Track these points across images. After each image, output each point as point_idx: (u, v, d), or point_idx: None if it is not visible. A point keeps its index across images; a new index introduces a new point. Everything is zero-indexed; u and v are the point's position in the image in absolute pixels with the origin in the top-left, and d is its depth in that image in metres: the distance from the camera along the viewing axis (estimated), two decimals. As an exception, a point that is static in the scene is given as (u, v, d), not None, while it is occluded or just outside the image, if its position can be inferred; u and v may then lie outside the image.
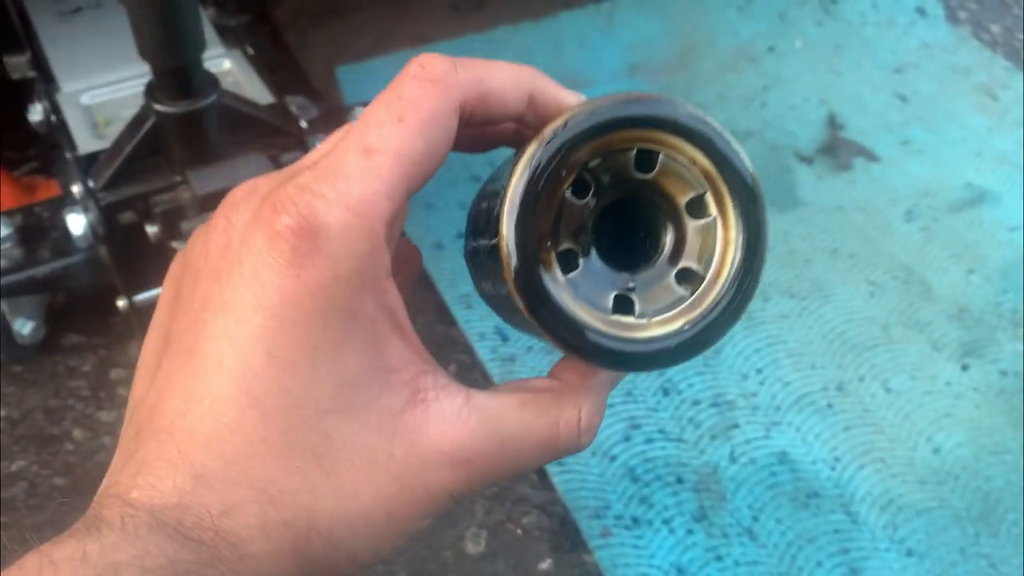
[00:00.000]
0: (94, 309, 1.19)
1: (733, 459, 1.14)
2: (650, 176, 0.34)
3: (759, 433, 1.17)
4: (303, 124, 1.13)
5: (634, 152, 0.33)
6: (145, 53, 0.93)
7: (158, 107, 0.97)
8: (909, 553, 1.07)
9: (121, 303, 1.08)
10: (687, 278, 0.34)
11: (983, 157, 1.59)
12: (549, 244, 0.33)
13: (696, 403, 1.19)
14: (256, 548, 0.30)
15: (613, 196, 0.34)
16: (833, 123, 1.64)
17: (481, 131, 0.37)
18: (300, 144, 1.09)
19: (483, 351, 1.22)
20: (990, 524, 1.10)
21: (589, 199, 0.33)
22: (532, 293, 0.32)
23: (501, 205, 0.32)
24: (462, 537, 1.05)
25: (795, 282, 1.36)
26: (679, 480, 1.11)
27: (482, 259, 0.35)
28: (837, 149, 1.59)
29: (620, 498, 1.09)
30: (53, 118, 1.15)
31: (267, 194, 0.32)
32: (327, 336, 0.31)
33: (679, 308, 0.34)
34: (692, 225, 0.34)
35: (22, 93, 1.23)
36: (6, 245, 1.03)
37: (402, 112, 0.32)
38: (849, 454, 1.15)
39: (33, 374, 1.16)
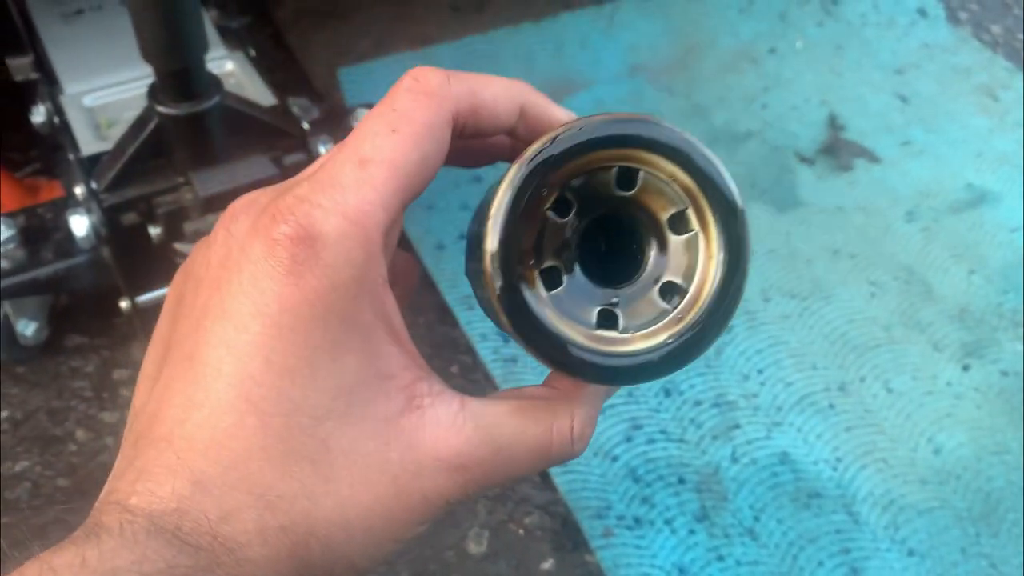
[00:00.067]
0: (97, 310, 1.19)
1: (735, 459, 1.14)
2: (631, 193, 0.34)
3: (761, 433, 1.17)
4: (305, 125, 1.13)
5: (615, 171, 0.34)
6: (148, 55, 0.93)
7: (161, 109, 0.98)
8: (910, 553, 1.07)
9: (124, 304, 1.09)
10: (671, 292, 0.35)
11: (984, 158, 1.59)
12: (532, 262, 0.34)
13: (698, 404, 1.19)
14: (254, 553, 0.30)
15: (596, 213, 0.35)
16: (834, 124, 1.64)
17: (474, 143, 0.38)
18: (302, 145, 1.09)
19: (485, 352, 1.22)
20: (991, 524, 1.10)
21: (572, 217, 0.34)
22: (515, 311, 0.33)
23: (484, 227, 0.33)
24: (464, 537, 1.05)
25: (796, 283, 1.36)
26: (681, 480, 1.11)
27: (475, 278, 0.36)
28: (838, 150, 1.59)
29: (622, 498, 1.09)
30: (56, 120, 1.15)
31: (266, 205, 0.33)
32: (325, 343, 0.32)
33: (663, 322, 0.34)
34: (674, 240, 0.35)
35: (25, 95, 1.23)
36: (9, 246, 1.04)
37: (396, 124, 0.33)
38: (851, 454, 1.15)
39: (36, 375, 1.16)
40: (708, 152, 0.33)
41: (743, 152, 1.57)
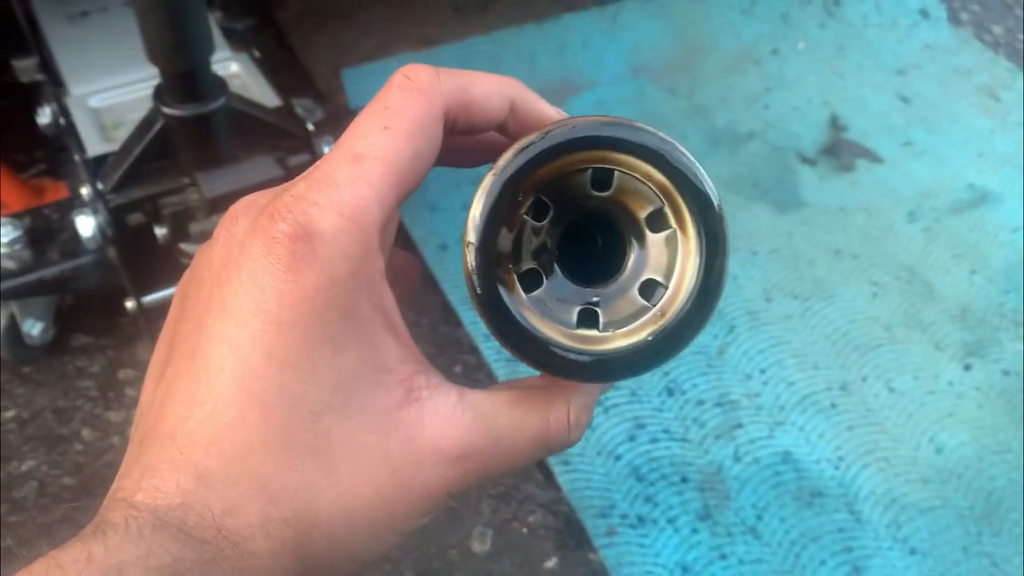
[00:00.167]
0: (103, 310, 1.20)
1: (737, 458, 1.14)
2: (608, 194, 0.35)
3: (763, 433, 1.17)
4: (309, 126, 1.14)
5: (589, 173, 0.34)
6: (154, 57, 0.94)
7: (166, 110, 0.98)
8: (912, 552, 1.08)
9: (130, 304, 1.09)
10: (651, 290, 0.35)
11: (985, 158, 1.60)
12: (511, 266, 0.34)
13: (700, 403, 1.20)
14: (257, 546, 0.31)
15: (575, 215, 0.35)
16: (836, 124, 1.65)
17: (467, 141, 0.38)
18: (307, 146, 1.10)
19: (488, 352, 1.22)
20: (992, 523, 1.11)
21: (550, 220, 0.35)
22: (495, 314, 0.34)
23: (464, 235, 0.33)
24: (468, 536, 1.06)
25: (798, 283, 1.36)
26: (684, 479, 1.12)
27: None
28: (840, 150, 1.60)
29: (625, 497, 1.10)
30: (61, 121, 1.16)
31: (265, 205, 0.33)
32: (324, 338, 0.32)
33: (643, 319, 0.35)
34: (653, 238, 0.35)
35: (30, 96, 1.24)
36: (15, 247, 1.04)
37: (388, 121, 0.34)
38: (853, 453, 1.16)
39: (42, 375, 1.17)
40: (682, 149, 0.33)
41: (745, 152, 1.57)
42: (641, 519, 1.08)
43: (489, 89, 0.36)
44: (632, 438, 1.15)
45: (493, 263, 0.33)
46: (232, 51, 1.26)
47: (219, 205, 1.01)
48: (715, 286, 0.34)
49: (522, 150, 0.33)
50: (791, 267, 1.38)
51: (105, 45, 1.23)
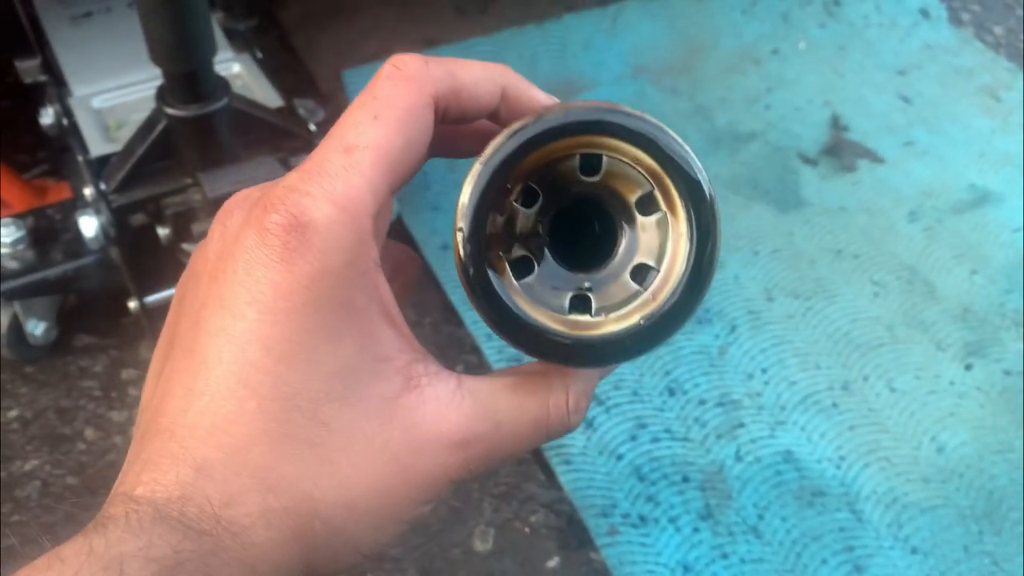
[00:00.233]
0: (106, 310, 1.20)
1: (739, 458, 1.15)
2: (597, 179, 0.35)
3: (764, 432, 1.17)
4: (312, 127, 1.14)
5: (577, 158, 0.34)
6: (157, 57, 0.94)
7: (169, 111, 0.99)
8: (913, 551, 1.08)
9: (132, 304, 1.10)
10: (642, 274, 0.35)
11: (986, 158, 1.60)
12: (502, 253, 0.34)
13: (702, 403, 1.20)
14: (258, 536, 0.31)
15: (565, 201, 0.35)
16: (837, 124, 1.65)
17: (461, 130, 0.38)
18: (309, 146, 1.10)
19: (490, 352, 1.23)
20: (994, 522, 1.11)
21: (539, 206, 0.35)
22: (486, 302, 0.34)
23: (455, 221, 0.34)
24: (470, 535, 1.06)
25: (800, 283, 1.36)
26: (685, 479, 1.12)
27: None
28: (841, 150, 1.60)
29: (627, 497, 1.10)
30: (64, 121, 1.16)
31: (258, 198, 0.34)
32: (320, 327, 0.32)
33: (635, 303, 0.34)
34: (643, 222, 0.35)
35: (33, 97, 1.24)
36: (18, 247, 1.05)
37: (378, 110, 0.34)
38: (854, 453, 1.16)
39: (45, 374, 1.17)
40: (669, 132, 0.33)
41: (746, 153, 1.58)
42: (643, 518, 1.08)
43: (479, 76, 0.36)
44: (634, 438, 1.15)
45: (484, 249, 0.33)
46: (234, 52, 1.27)
47: (221, 205, 1.01)
48: (707, 268, 0.34)
49: (515, 133, 0.33)
50: (792, 267, 1.39)
51: (108, 46, 1.24)
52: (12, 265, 1.05)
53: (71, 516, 1.04)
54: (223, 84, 1.01)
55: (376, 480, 0.33)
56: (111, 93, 1.20)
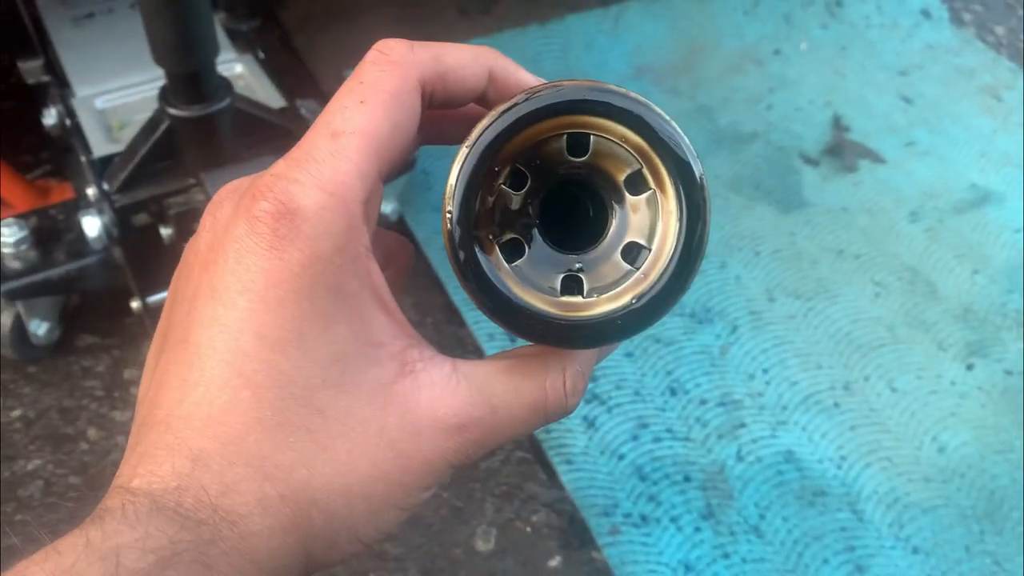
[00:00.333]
0: (108, 310, 1.20)
1: (740, 458, 1.15)
2: (585, 159, 0.34)
3: (766, 432, 1.18)
4: (314, 127, 1.14)
5: (565, 138, 0.34)
6: (159, 58, 0.94)
7: (172, 111, 0.99)
8: (915, 551, 1.08)
9: (135, 304, 1.10)
10: (633, 253, 0.35)
11: (988, 158, 1.60)
12: (492, 237, 0.34)
13: (703, 403, 1.20)
14: (255, 525, 0.31)
15: (554, 182, 0.35)
16: (838, 125, 1.65)
17: (450, 114, 0.38)
18: (311, 147, 1.10)
19: (492, 352, 1.23)
20: (995, 522, 1.11)
21: (528, 188, 0.34)
22: (477, 285, 0.34)
23: (443, 204, 0.33)
24: (472, 535, 1.06)
25: (801, 283, 1.37)
26: (687, 479, 1.12)
27: None
28: (842, 151, 1.60)
29: (628, 496, 1.10)
30: (67, 122, 1.16)
31: (247, 188, 0.34)
32: (313, 313, 0.32)
33: (627, 283, 0.34)
34: (633, 201, 0.35)
35: (36, 97, 1.24)
36: (21, 247, 1.05)
37: (364, 95, 0.34)
38: (855, 453, 1.16)
39: (48, 374, 1.17)
40: (655, 108, 0.33)
41: (748, 153, 1.58)
42: (644, 518, 1.08)
43: (464, 58, 0.35)
44: (635, 437, 1.15)
45: (473, 232, 0.33)
46: (237, 52, 1.27)
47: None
48: (698, 244, 0.34)
49: (500, 115, 0.33)
50: (794, 267, 1.39)
51: (111, 47, 1.24)
52: (15, 265, 1.05)
53: (74, 514, 1.04)
54: (225, 85, 1.01)
55: (373, 466, 0.33)
56: (114, 94, 1.20)
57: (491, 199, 0.34)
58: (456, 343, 1.25)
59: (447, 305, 1.29)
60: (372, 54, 0.35)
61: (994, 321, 1.33)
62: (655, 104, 0.33)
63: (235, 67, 1.25)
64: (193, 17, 0.91)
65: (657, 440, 1.15)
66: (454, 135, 0.39)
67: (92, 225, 1.03)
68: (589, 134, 0.34)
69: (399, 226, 1.36)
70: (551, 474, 1.12)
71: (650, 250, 0.34)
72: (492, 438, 0.35)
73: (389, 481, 0.33)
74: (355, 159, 0.33)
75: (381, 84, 0.34)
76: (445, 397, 0.34)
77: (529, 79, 0.37)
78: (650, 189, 0.34)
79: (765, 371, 1.24)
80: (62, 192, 1.27)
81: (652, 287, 0.34)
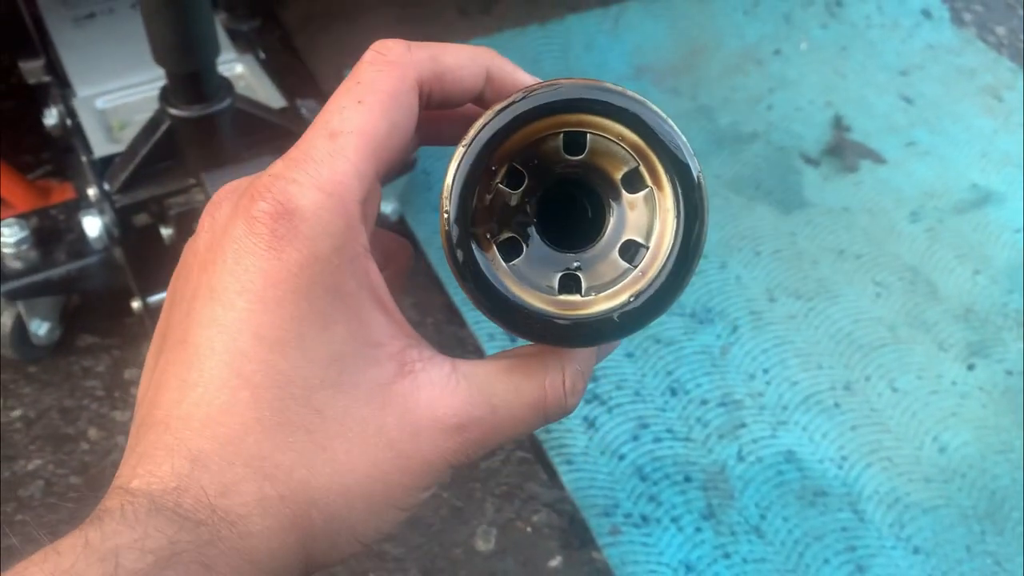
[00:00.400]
0: (109, 310, 1.20)
1: (741, 458, 1.15)
2: (582, 157, 0.34)
3: (766, 432, 1.18)
4: (314, 127, 1.14)
5: (561, 137, 0.34)
6: (160, 58, 0.94)
7: (173, 111, 0.99)
8: (916, 551, 1.08)
9: (135, 304, 1.10)
10: (631, 251, 0.35)
11: (988, 158, 1.60)
12: (489, 236, 0.34)
13: (704, 403, 1.20)
14: (255, 525, 0.31)
15: (550, 181, 0.35)
16: (839, 125, 1.65)
17: (448, 115, 0.38)
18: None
19: (493, 352, 1.23)
20: (996, 522, 1.11)
21: (525, 187, 0.34)
22: (475, 284, 0.34)
23: (440, 204, 0.33)
24: (472, 535, 1.06)
25: (802, 283, 1.36)
26: (687, 479, 1.12)
27: None
28: (843, 151, 1.60)
29: (629, 496, 1.10)
30: (68, 122, 1.16)
31: (245, 188, 0.34)
32: (311, 313, 0.32)
33: (624, 281, 0.34)
34: (630, 199, 0.35)
35: (37, 97, 1.25)
36: (22, 247, 1.05)
37: (361, 95, 0.34)
38: (856, 453, 1.16)
39: (49, 374, 1.18)
40: (651, 106, 0.33)
41: (748, 153, 1.58)
42: (645, 518, 1.08)
43: (462, 58, 0.35)
44: (636, 438, 1.15)
45: (470, 231, 0.33)
46: (237, 52, 1.27)
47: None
48: (696, 242, 0.34)
49: (497, 114, 0.33)
50: (794, 267, 1.39)
51: (111, 47, 1.24)
52: (16, 265, 1.05)
53: (74, 515, 1.04)
54: (226, 85, 1.01)
55: (372, 466, 0.33)
56: (115, 94, 1.20)
57: (488, 198, 0.34)
58: (456, 343, 1.25)
59: (447, 305, 1.29)
60: (370, 54, 0.35)
61: (995, 321, 1.33)
62: (652, 103, 0.33)
63: (236, 67, 1.25)
64: (194, 17, 0.91)
65: (658, 440, 1.15)
66: (452, 135, 0.39)
67: (93, 225, 1.03)
68: (586, 132, 0.34)
69: (399, 226, 1.37)
70: (551, 474, 1.12)
71: (648, 248, 0.34)
72: (492, 438, 0.35)
73: (388, 481, 0.33)
74: (353, 159, 0.33)
75: (379, 84, 0.34)
76: (444, 397, 0.34)
77: (527, 79, 0.37)
78: (647, 187, 0.34)
79: (766, 371, 1.24)
80: (63, 192, 1.27)
81: (650, 285, 0.34)
